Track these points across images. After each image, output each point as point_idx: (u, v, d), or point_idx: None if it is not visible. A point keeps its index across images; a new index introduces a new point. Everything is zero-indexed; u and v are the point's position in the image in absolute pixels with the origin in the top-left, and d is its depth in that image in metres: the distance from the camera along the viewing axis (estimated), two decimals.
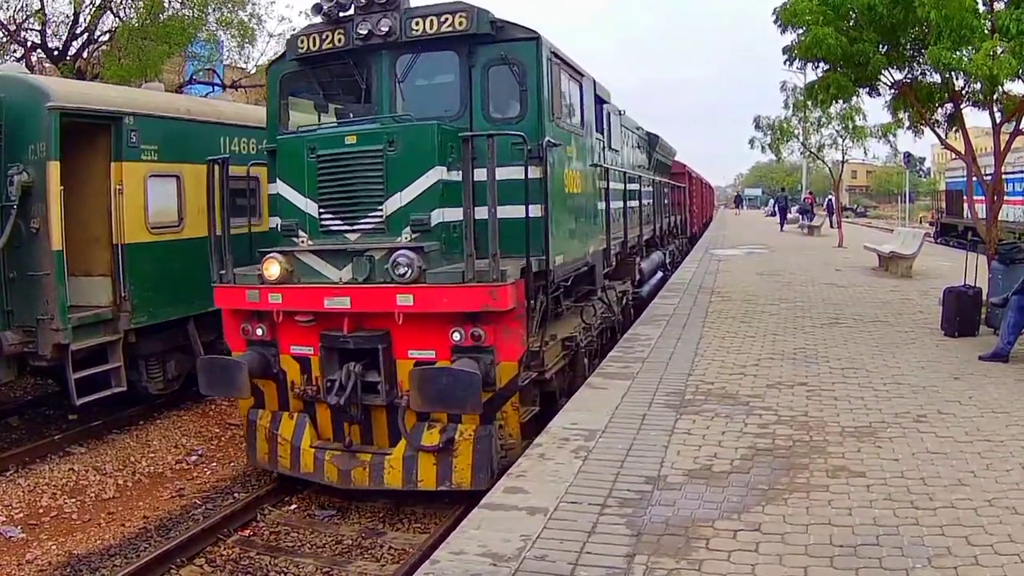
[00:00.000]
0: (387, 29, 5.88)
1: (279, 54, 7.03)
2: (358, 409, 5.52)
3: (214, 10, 16.29)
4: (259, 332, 5.83)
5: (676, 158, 19.59)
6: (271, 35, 17.97)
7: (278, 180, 5.94)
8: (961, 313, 8.35)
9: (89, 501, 6.21)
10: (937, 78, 9.32)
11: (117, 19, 15.51)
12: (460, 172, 5.40)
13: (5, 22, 15.09)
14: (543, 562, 3.46)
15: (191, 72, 19.20)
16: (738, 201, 63.22)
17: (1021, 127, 9.09)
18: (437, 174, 5.48)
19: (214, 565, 5.18)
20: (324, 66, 6.37)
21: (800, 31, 9.32)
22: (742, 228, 33.79)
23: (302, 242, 5.71)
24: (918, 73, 9.68)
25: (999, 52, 7.55)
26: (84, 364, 7.05)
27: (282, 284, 5.59)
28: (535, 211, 5.61)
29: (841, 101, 12.05)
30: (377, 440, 5.71)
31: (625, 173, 9.84)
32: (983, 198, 10.10)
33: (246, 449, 6.30)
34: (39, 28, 15.31)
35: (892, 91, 10.07)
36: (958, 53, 7.96)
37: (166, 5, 15.46)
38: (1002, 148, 9.38)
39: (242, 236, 6.78)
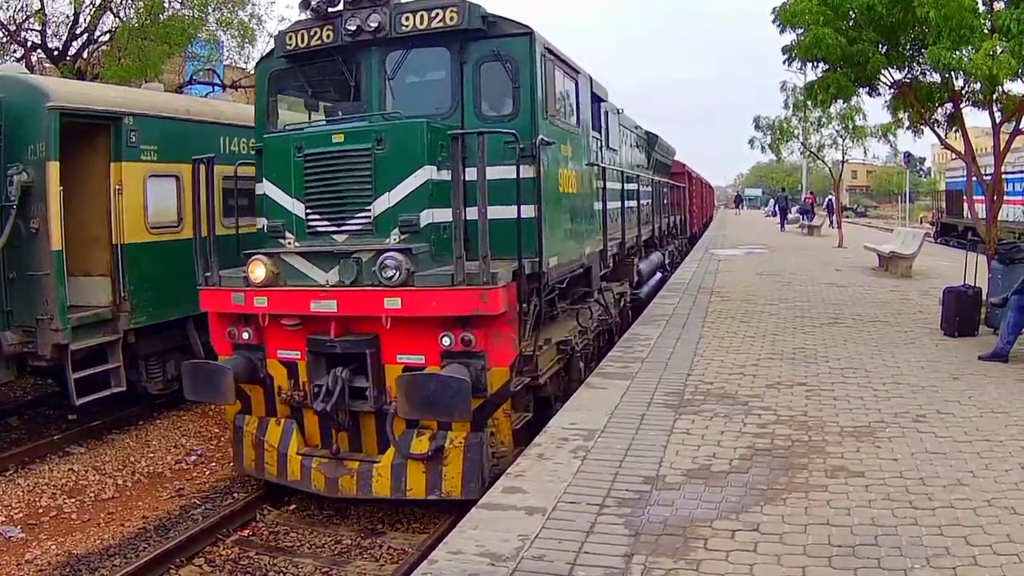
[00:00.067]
0: (376, 25, 5.77)
1: (267, 51, 6.92)
2: (346, 415, 5.41)
3: (214, 10, 16.29)
4: (245, 336, 5.70)
5: (676, 158, 19.55)
6: (271, 35, 17.93)
7: (264, 180, 5.82)
8: (961, 313, 8.35)
9: (88, 501, 6.21)
10: (937, 78, 9.32)
11: (117, 19, 15.51)
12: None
13: (5, 22, 15.09)
14: (541, 562, 3.46)
15: (191, 72, 19.20)
16: (738, 201, 63.18)
17: (1021, 127, 9.09)
18: (426, 173, 5.36)
19: (213, 565, 5.18)
20: (313, 63, 6.25)
21: (799, 31, 9.32)
22: (742, 228, 33.78)
23: (289, 243, 5.60)
24: (918, 73, 9.68)
25: (999, 52, 7.56)
26: (84, 364, 7.06)
27: (268, 287, 5.48)
28: (528, 211, 5.47)
29: (841, 101, 12.05)
30: (366, 447, 5.59)
31: (623, 172, 9.71)
32: (983, 198, 10.09)
33: (232, 456, 6.22)
34: (39, 28, 15.31)
35: (892, 91, 10.07)
36: (958, 53, 7.96)
37: (166, 5, 15.46)
38: (1002, 148, 9.37)
39: (247, 236, 6.76)
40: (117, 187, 7.27)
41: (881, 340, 8.16)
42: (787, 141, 24.32)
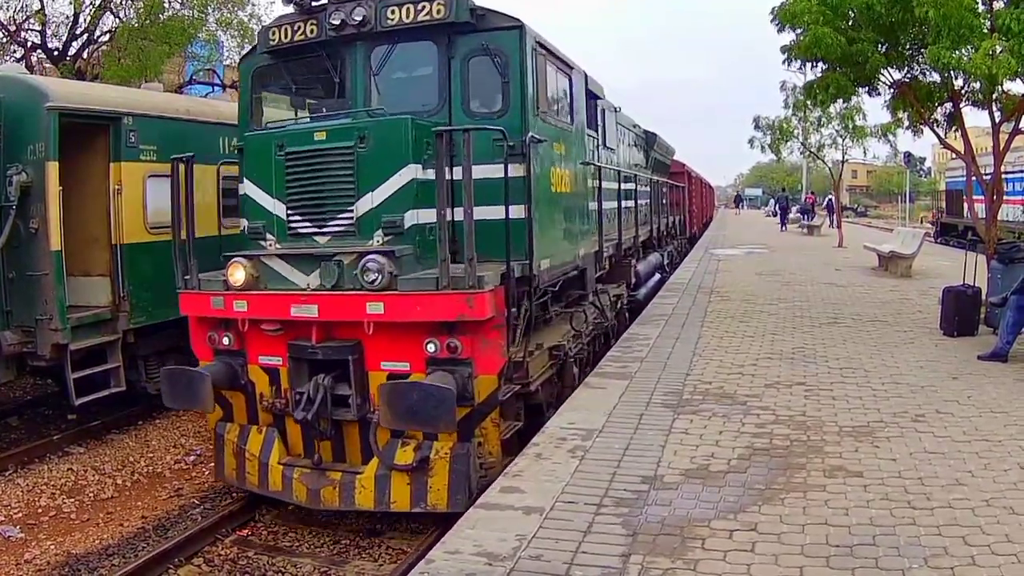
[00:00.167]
0: (361, 19, 5.59)
1: (251, 47, 6.72)
2: (328, 424, 5.22)
3: (214, 10, 16.28)
4: (225, 341, 5.54)
5: (675, 157, 19.52)
6: None
7: (245, 180, 5.66)
8: (960, 313, 8.35)
9: (88, 501, 6.22)
10: (936, 77, 9.32)
11: (117, 19, 15.51)
12: None
13: (5, 22, 15.09)
14: (538, 562, 3.45)
15: (191, 72, 19.21)
16: (738, 201, 63.16)
17: (1020, 126, 9.08)
18: (411, 172, 5.17)
19: (212, 565, 5.19)
20: (296, 59, 6.08)
21: (798, 31, 9.31)
22: (742, 228, 33.76)
23: (270, 245, 5.43)
24: (917, 72, 9.68)
25: (998, 51, 7.55)
26: (83, 364, 7.06)
27: (247, 290, 5.31)
28: (517, 212, 5.26)
29: (841, 101, 12.05)
30: (349, 457, 5.41)
31: (620, 172, 9.51)
32: (983, 197, 10.09)
33: (214, 464, 6.07)
34: (39, 28, 15.31)
35: (891, 91, 10.07)
36: (957, 52, 7.96)
37: (166, 5, 15.45)
38: (1001, 148, 9.37)
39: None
40: (116, 187, 7.27)
41: (880, 340, 8.16)
42: (787, 141, 24.34)
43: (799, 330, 8.83)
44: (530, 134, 5.49)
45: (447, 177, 5.09)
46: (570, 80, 6.95)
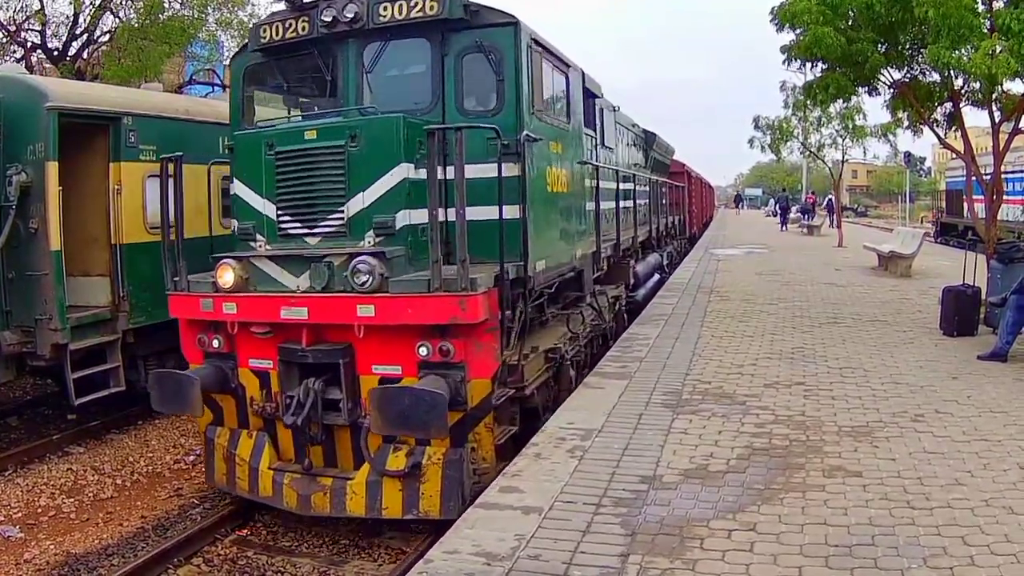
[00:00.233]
0: (353, 15, 5.48)
1: (242, 45, 6.59)
2: (319, 429, 5.12)
3: (214, 10, 16.29)
4: (215, 344, 5.44)
5: (675, 157, 19.51)
6: None
7: (235, 180, 5.57)
8: (960, 312, 8.35)
9: (87, 501, 6.22)
10: (936, 77, 9.33)
11: (117, 19, 15.53)
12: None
13: (5, 22, 15.11)
14: (537, 561, 3.45)
15: (191, 72, 19.22)
16: (738, 201, 63.18)
17: (1020, 126, 9.09)
18: (403, 172, 5.07)
19: (211, 565, 5.19)
20: (288, 57, 5.98)
21: (798, 31, 9.32)
22: (742, 228, 33.77)
23: (260, 246, 5.35)
24: (917, 72, 9.69)
25: (998, 51, 7.55)
26: (83, 364, 7.05)
27: (237, 292, 5.21)
28: (512, 212, 5.17)
29: (841, 101, 12.06)
30: (341, 462, 5.30)
31: (618, 171, 9.39)
32: (982, 197, 10.09)
33: (204, 469, 5.97)
34: (39, 28, 15.32)
35: (891, 90, 10.08)
36: (957, 52, 7.97)
37: (166, 5, 15.47)
38: (1001, 147, 9.37)
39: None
40: (116, 187, 7.27)
41: (880, 340, 8.16)
42: (787, 141, 24.35)
43: (799, 330, 8.83)
44: (525, 133, 5.41)
45: (440, 177, 5.02)
46: (567, 78, 6.85)
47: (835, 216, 26.62)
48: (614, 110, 9.85)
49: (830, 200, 32.29)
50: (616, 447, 4.91)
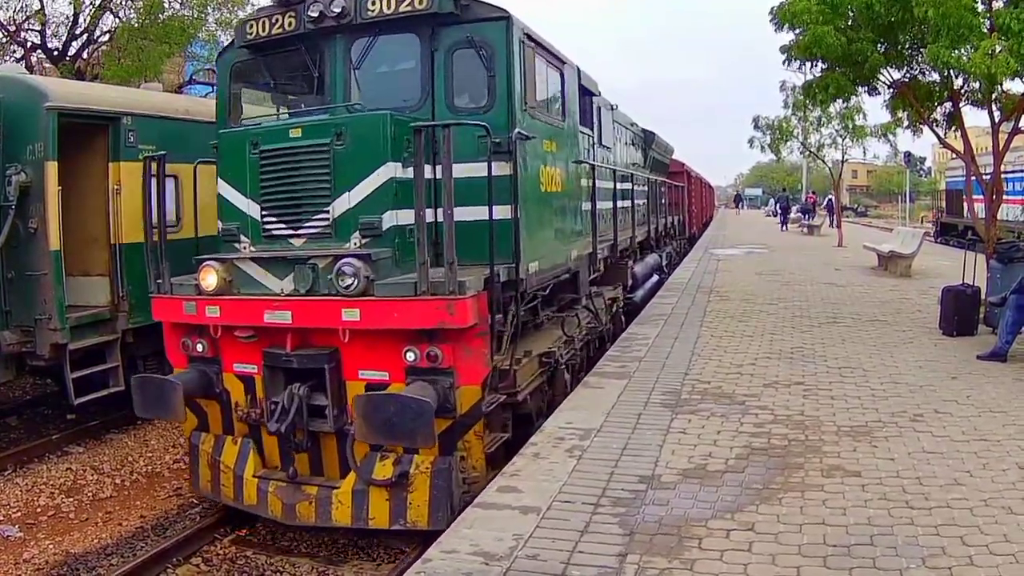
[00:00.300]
0: (340, 10, 5.35)
1: (229, 41, 6.42)
2: (304, 436, 4.99)
3: (214, 10, 16.27)
4: (199, 348, 5.31)
5: (675, 156, 19.49)
6: None
7: (219, 179, 5.43)
8: (959, 312, 8.34)
9: (87, 500, 6.22)
10: (936, 77, 9.32)
11: (117, 19, 15.53)
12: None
13: (5, 22, 15.11)
14: (535, 561, 3.45)
15: (191, 72, 19.21)
16: (738, 200, 63.15)
17: (1020, 126, 9.08)
18: (389, 171, 4.92)
19: (210, 564, 5.19)
20: (275, 53, 5.85)
21: (797, 31, 9.32)
22: (742, 228, 33.77)
23: (244, 248, 5.22)
24: (917, 72, 9.68)
25: (997, 51, 7.55)
26: (82, 364, 7.06)
27: (220, 295, 5.09)
28: (503, 212, 5.03)
29: (841, 100, 12.06)
30: (327, 470, 5.16)
31: (615, 171, 9.27)
32: (982, 197, 10.08)
33: (189, 476, 5.87)
34: (39, 28, 15.31)
35: (891, 90, 10.08)
36: (956, 52, 7.96)
37: (166, 5, 15.46)
38: (1001, 147, 9.37)
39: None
40: (115, 187, 7.27)
41: (879, 339, 8.15)
42: (787, 141, 24.35)
43: (798, 330, 8.83)
44: (517, 130, 5.27)
45: (429, 176, 4.91)
46: (562, 75, 6.71)
47: (835, 216, 26.61)
48: (612, 108, 9.76)
49: (830, 200, 32.28)
50: (615, 447, 4.91)
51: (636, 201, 11.24)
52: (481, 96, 5.43)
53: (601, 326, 8.10)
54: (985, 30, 7.99)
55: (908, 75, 9.74)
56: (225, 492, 5.39)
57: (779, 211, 35.58)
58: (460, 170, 4.82)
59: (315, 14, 5.43)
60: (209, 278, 5.12)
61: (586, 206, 7.50)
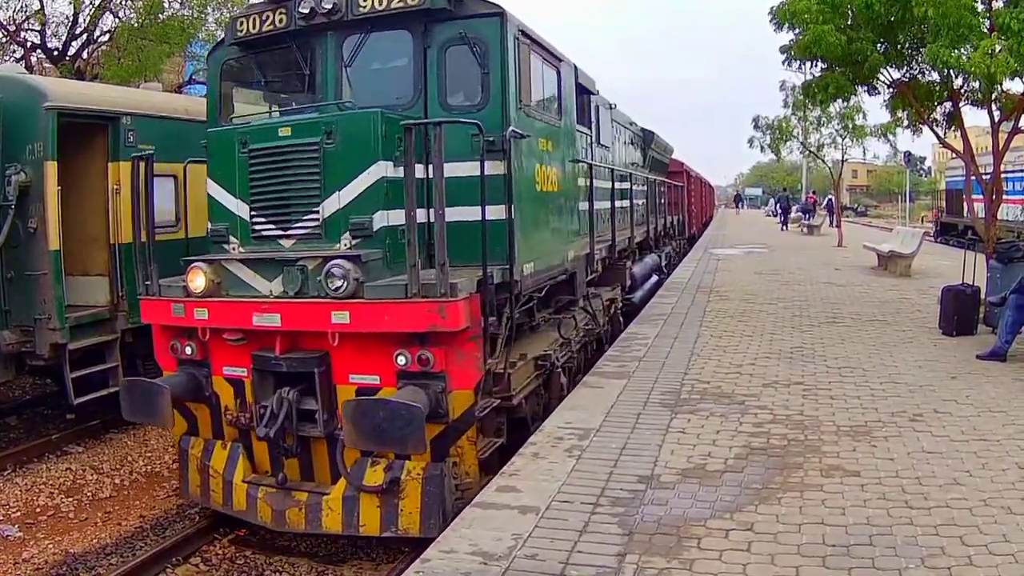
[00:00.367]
0: (331, 6, 5.27)
1: (220, 39, 6.31)
2: (294, 441, 4.90)
3: (214, 10, 16.28)
4: (188, 350, 5.20)
5: (674, 156, 19.48)
6: None
7: (209, 179, 5.35)
8: (959, 312, 8.34)
9: (86, 500, 6.23)
10: (935, 77, 9.32)
11: (116, 19, 15.53)
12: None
13: (5, 22, 15.11)
14: (534, 561, 3.45)
15: (191, 72, 19.20)
16: (738, 200, 63.14)
17: (1020, 125, 9.08)
18: (380, 170, 4.82)
19: (209, 564, 5.20)
20: (266, 51, 5.76)
21: (797, 31, 9.31)
22: (742, 228, 33.78)
23: (233, 249, 5.13)
24: (916, 72, 9.68)
25: (997, 50, 7.55)
26: (82, 363, 7.06)
27: (208, 297, 4.99)
28: (496, 212, 4.92)
29: (840, 100, 12.06)
30: (318, 475, 5.06)
31: (613, 170, 9.13)
32: (982, 197, 10.08)
33: (179, 481, 5.76)
34: (39, 28, 15.32)
35: (891, 90, 10.07)
36: (956, 51, 7.96)
37: (166, 5, 15.47)
38: (1001, 147, 9.36)
39: None
40: (115, 187, 7.27)
41: (879, 339, 8.15)
42: (787, 141, 24.36)
43: (798, 329, 8.83)
44: (511, 128, 5.16)
45: (421, 176, 4.82)
46: (558, 72, 6.61)
47: (835, 216, 26.61)
48: (610, 107, 9.68)
49: (830, 200, 32.27)
50: (614, 446, 4.90)
51: (635, 201, 11.17)
52: (475, 93, 5.34)
53: (599, 328, 8.03)
54: (985, 29, 7.99)
55: (908, 75, 9.74)
56: (214, 497, 5.29)
57: (779, 211, 35.57)
58: (453, 169, 4.75)
59: (306, 10, 5.34)
60: (197, 280, 5.03)
61: (583, 206, 7.41)
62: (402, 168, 4.74)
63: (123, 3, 15.38)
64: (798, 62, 10.15)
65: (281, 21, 5.50)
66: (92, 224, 7.36)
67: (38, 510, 6.00)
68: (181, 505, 6.12)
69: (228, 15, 16.33)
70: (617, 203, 9.23)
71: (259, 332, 4.89)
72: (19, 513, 5.92)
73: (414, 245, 4.52)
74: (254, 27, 5.62)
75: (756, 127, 24.52)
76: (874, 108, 64.39)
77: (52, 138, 6.68)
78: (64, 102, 6.86)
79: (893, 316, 9.61)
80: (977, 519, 3.74)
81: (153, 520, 5.84)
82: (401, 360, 4.64)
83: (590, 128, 8.13)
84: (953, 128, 9.96)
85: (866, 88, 10.33)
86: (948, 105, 9.76)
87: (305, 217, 4.94)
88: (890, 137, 21.21)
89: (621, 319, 9.61)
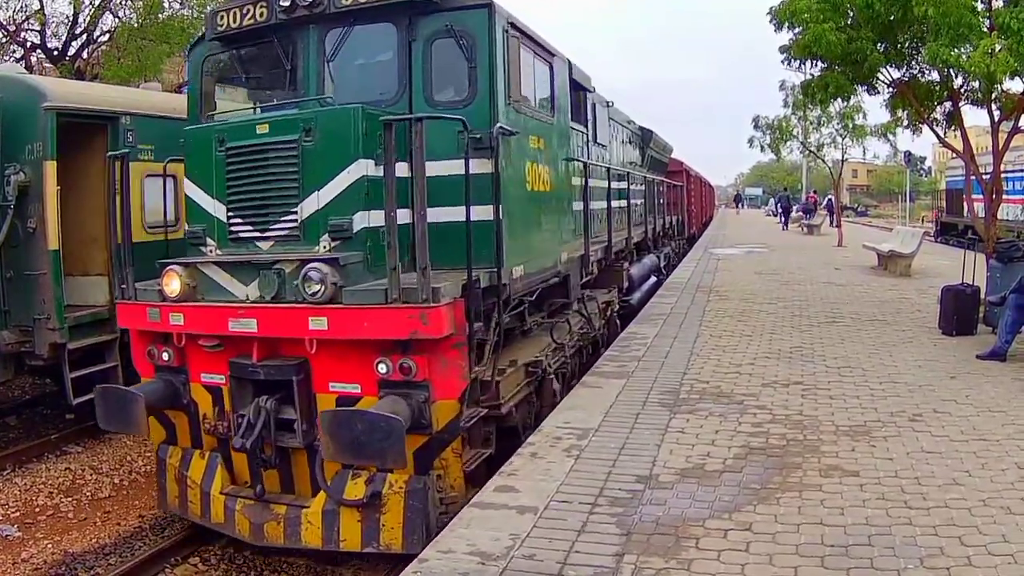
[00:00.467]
0: None
1: (200, 34, 6.05)
2: (272, 451, 4.69)
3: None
4: (165, 356, 4.99)
5: (674, 156, 19.44)
6: None
7: (186, 179, 5.16)
8: (959, 312, 8.33)
9: (85, 500, 6.23)
10: (935, 76, 9.31)
11: (116, 19, 15.56)
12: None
13: (5, 22, 15.12)
14: (532, 561, 3.45)
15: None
16: (738, 200, 63.14)
17: (1020, 125, 9.07)
18: (361, 169, 4.59)
19: (208, 564, 5.21)
20: (247, 46, 5.58)
21: (797, 30, 9.31)
22: (742, 227, 33.77)
23: (209, 251, 4.95)
24: (916, 71, 9.67)
25: (997, 50, 7.54)
26: (81, 363, 7.06)
27: (184, 301, 4.79)
28: (482, 213, 4.72)
29: (840, 100, 12.05)
30: (298, 487, 4.84)
31: (609, 169, 8.90)
32: (982, 196, 10.08)
33: (157, 492, 5.56)
34: (39, 28, 15.34)
35: (891, 89, 10.07)
36: (956, 51, 7.95)
37: (165, 5, 15.50)
38: (1000, 146, 9.36)
39: None
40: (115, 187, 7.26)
41: (879, 339, 8.15)
42: (787, 140, 24.36)
43: (797, 329, 8.82)
44: (499, 125, 4.94)
45: (405, 174, 4.62)
46: (551, 68, 6.36)
47: (835, 215, 26.61)
48: (608, 105, 9.52)
49: (830, 200, 32.26)
50: (612, 446, 4.90)
51: (633, 201, 11.00)
52: (462, 88, 5.11)
53: (594, 331, 7.83)
54: (985, 29, 7.99)
55: (908, 74, 9.74)
56: (192, 509, 5.10)
57: (780, 211, 35.56)
58: (438, 168, 4.62)
59: (287, 3, 5.14)
60: (173, 283, 4.83)
61: (578, 206, 7.23)
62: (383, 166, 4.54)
63: (123, 3, 15.41)
64: (798, 62, 10.13)
65: (262, 15, 5.30)
66: (91, 224, 7.36)
67: (37, 510, 6.00)
68: None
69: None
70: (614, 203, 9.05)
71: (236, 338, 4.68)
72: (18, 513, 5.92)
73: (394, 247, 4.28)
74: (234, 21, 5.42)
75: (756, 127, 24.57)
76: (874, 108, 64.33)
77: (51, 138, 6.68)
78: (64, 102, 6.87)
79: (893, 316, 9.60)
80: (976, 519, 3.74)
81: (152, 520, 5.84)
82: (382, 368, 4.43)
83: (586, 126, 7.96)
84: (953, 128, 9.96)
85: (866, 88, 10.32)
86: (948, 105, 9.76)
87: (283, 218, 4.75)
88: (890, 137, 21.27)
89: (618, 322, 9.44)
